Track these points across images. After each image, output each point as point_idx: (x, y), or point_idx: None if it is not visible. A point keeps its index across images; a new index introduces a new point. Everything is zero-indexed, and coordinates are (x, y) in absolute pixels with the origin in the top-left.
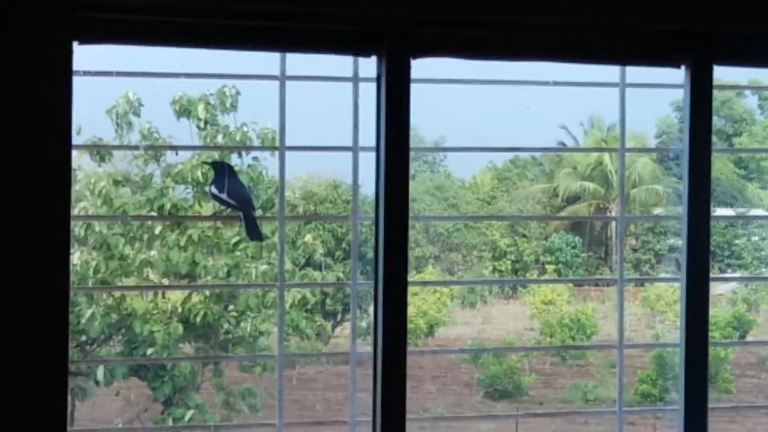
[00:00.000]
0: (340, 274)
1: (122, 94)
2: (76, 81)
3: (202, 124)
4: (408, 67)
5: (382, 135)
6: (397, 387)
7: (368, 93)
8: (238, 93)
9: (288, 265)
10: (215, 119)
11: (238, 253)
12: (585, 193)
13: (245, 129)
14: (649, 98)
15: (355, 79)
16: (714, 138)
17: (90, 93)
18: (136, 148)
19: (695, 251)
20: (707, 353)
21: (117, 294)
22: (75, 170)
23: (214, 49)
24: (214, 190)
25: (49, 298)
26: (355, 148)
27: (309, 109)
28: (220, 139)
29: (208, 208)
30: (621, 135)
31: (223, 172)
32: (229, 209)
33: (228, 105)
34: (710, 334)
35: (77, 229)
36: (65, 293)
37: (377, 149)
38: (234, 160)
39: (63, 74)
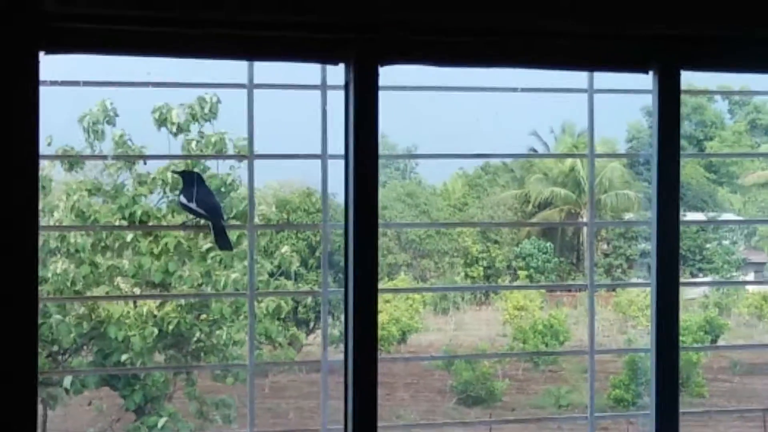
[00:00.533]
0: (314, 285)
1: (98, 103)
2: (52, 91)
3: (176, 131)
4: (376, 75)
5: (351, 142)
6: (369, 394)
7: (337, 100)
8: (218, 101)
9: (263, 276)
10: (189, 127)
11: (210, 261)
12: (556, 199)
13: (223, 138)
14: (620, 103)
15: (324, 87)
16: (685, 143)
17: (65, 102)
18: (105, 157)
19: (665, 256)
20: (678, 357)
21: (89, 302)
22: (50, 181)
23: (182, 58)
24: (183, 199)
25: (18, 308)
26: (324, 156)
27: (282, 117)
28: (194, 146)
29: (181, 217)
30: (590, 140)
31: (192, 181)
32: (199, 218)
33: (207, 112)
34: (682, 338)
35: (52, 240)
36: (34, 303)
37: (346, 156)
38: (213, 169)
39: (30, 84)
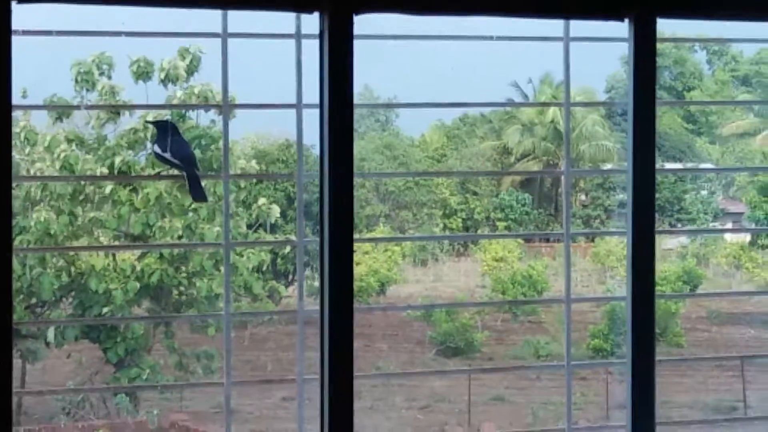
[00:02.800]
0: (291, 235)
1: (93, 54)
2: (45, 40)
3: (165, 84)
4: (351, 24)
5: (326, 92)
6: (344, 344)
7: (312, 50)
8: (200, 54)
9: (242, 228)
10: (176, 80)
11: (191, 215)
12: (535, 150)
13: (208, 89)
14: (599, 53)
15: (298, 36)
16: (665, 94)
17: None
18: (78, 107)
19: (640, 204)
20: (654, 306)
21: (69, 254)
22: (35, 134)
23: (156, 7)
24: (156, 149)
25: None
26: (299, 106)
27: (258, 68)
28: (179, 97)
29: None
30: (566, 88)
31: (165, 130)
32: (173, 168)
33: (189, 64)
34: (660, 288)
35: (33, 189)
36: (8, 254)
37: (321, 107)
38: (194, 121)
39: (1, 34)
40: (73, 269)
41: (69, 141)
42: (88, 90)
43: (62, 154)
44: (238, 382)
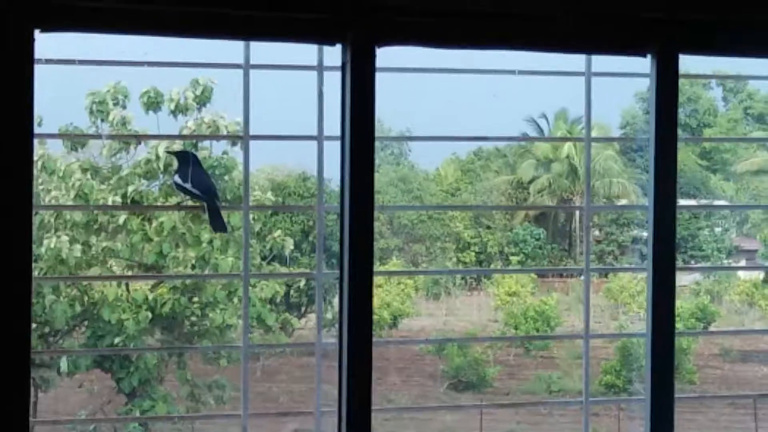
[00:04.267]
0: (306, 268)
1: (108, 84)
2: (67, 70)
3: (175, 114)
4: (373, 56)
5: (347, 124)
6: (363, 378)
7: (334, 82)
8: (212, 86)
9: (256, 260)
10: (186, 111)
11: (205, 245)
12: (550, 185)
13: (216, 122)
14: (614, 89)
15: (320, 68)
16: (680, 131)
17: (76, 82)
18: (99, 137)
19: (661, 241)
20: (674, 343)
21: (83, 284)
22: (54, 161)
23: (177, 37)
24: (177, 179)
25: (11, 289)
26: (320, 138)
27: (276, 99)
28: (191, 126)
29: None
30: (587, 123)
31: (187, 161)
32: (193, 199)
33: (199, 95)
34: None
35: (47, 217)
36: (27, 284)
37: (342, 138)
38: (207, 152)
39: (24, 62)
40: (86, 298)
41: (84, 170)
42: (102, 120)
43: (77, 183)
44: (253, 414)
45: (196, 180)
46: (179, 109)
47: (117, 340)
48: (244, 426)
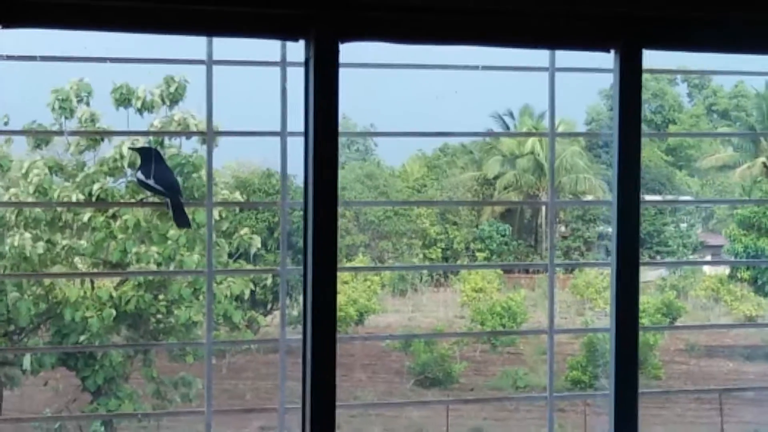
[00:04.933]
0: (272, 266)
1: (72, 81)
2: (23, 66)
3: (141, 112)
4: (336, 51)
5: (311, 120)
6: (327, 374)
7: (298, 78)
8: (186, 81)
9: (223, 258)
10: (152, 108)
11: (170, 242)
12: (516, 181)
13: (189, 119)
14: (579, 86)
15: (284, 64)
16: (645, 126)
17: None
18: (61, 133)
19: (625, 236)
20: (637, 338)
21: (47, 282)
22: (9, 161)
23: (141, 33)
24: (140, 175)
25: None
26: (283, 134)
27: (242, 96)
28: (157, 125)
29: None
30: (551, 118)
31: (149, 158)
32: (156, 195)
33: (173, 92)
34: (639, 321)
35: (8, 214)
36: None
37: (306, 134)
38: (176, 149)
39: None
40: (50, 296)
41: (49, 168)
42: (66, 117)
43: (35, 179)
44: (218, 410)
45: (159, 176)
46: (145, 107)
47: (82, 338)
48: (209, 423)
